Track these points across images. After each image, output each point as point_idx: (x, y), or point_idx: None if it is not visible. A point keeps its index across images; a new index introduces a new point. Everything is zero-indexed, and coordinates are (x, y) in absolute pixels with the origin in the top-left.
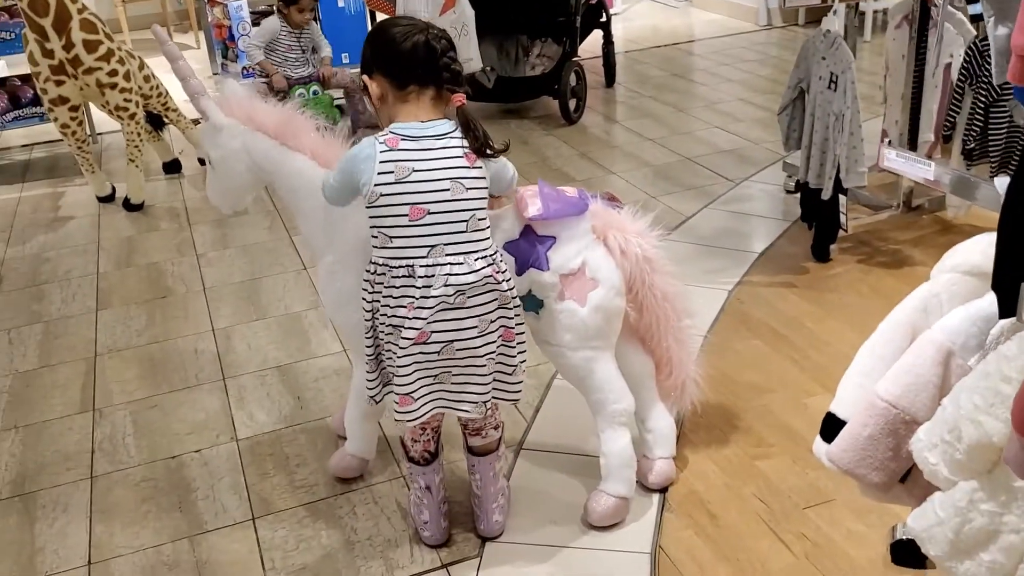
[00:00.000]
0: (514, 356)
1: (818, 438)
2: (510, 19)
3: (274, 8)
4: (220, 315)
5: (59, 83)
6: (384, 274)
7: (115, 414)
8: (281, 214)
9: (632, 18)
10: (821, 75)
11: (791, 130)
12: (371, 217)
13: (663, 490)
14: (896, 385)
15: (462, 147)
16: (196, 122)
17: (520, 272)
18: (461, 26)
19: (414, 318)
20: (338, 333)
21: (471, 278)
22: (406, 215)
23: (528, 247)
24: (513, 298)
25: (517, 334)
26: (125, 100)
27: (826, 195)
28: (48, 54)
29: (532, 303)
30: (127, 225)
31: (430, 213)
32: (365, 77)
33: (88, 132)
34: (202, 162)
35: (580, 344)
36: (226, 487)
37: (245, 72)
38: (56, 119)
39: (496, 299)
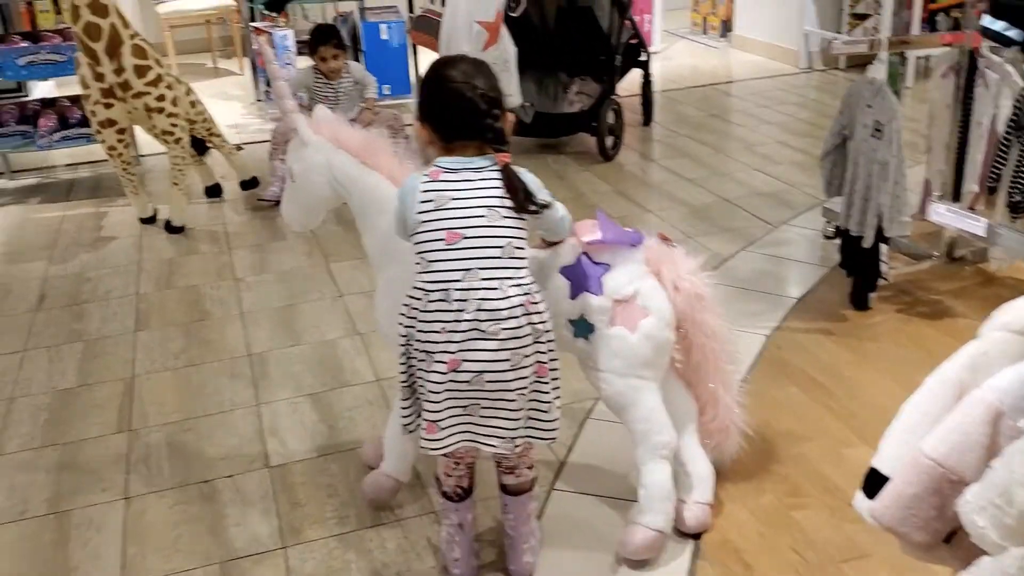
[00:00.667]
0: (548, 393)
1: (859, 493)
2: (551, 56)
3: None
4: (256, 340)
5: (108, 106)
6: (421, 299)
7: (151, 435)
8: (319, 241)
9: (671, 57)
10: (866, 123)
11: (832, 176)
12: (414, 244)
13: (697, 536)
14: (943, 443)
15: (501, 178)
16: (239, 148)
17: (574, 296)
18: (503, 62)
19: (446, 342)
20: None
21: (503, 304)
22: (443, 239)
23: (583, 272)
24: (547, 331)
25: (551, 370)
26: (172, 124)
27: (867, 243)
28: (99, 77)
29: (584, 328)
30: (168, 247)
31: (465, 238)
32: (417, 123)
33: (133, 154)
34: (244, 186)
35: (628, 371)
36: (258, 514)
37: None
38: (104, 141)
39: (530, 333)
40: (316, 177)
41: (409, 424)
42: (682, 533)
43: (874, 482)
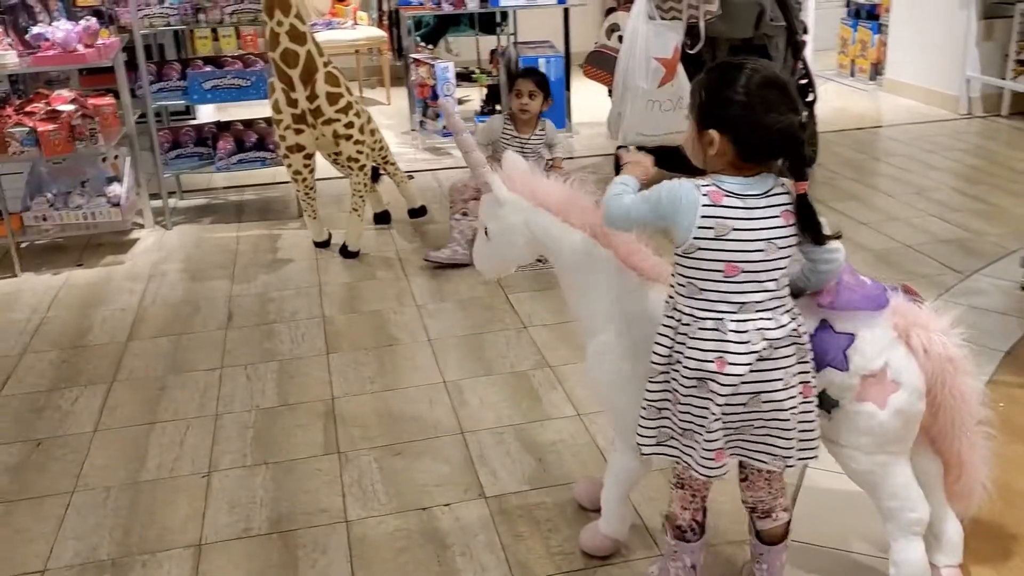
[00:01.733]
0: (811, 412)
1: None
2: None
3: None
4: (448, 368)
5: (298, 131)
6: (690, 324)
7: (360, 459)
8: None
9: (819, 99)
10: None
11: None
12: (682, 266)
13: None
14: None
15: (782, 206)
16: (410, 176)
17: (817, 370)
18: (677, 99)
19: (728, 375)
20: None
21: (779, 332)
22: (721, 271)
23: (825, 344)
24: (809, 351)
25: (812, 388)
26: (357, 151)
27: None
28: (292, 103)
29: (826, 402)
30: (344, 271)
31: (744, 272)
32: (702, 131)
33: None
34: (412, 215)
35: (876, 449)
36: (481, 545)
37: (445, 131)
38: (290, 165)
39: (795, 353)
40: (513, 237)
41: (646, 447)
42: None
43: None
